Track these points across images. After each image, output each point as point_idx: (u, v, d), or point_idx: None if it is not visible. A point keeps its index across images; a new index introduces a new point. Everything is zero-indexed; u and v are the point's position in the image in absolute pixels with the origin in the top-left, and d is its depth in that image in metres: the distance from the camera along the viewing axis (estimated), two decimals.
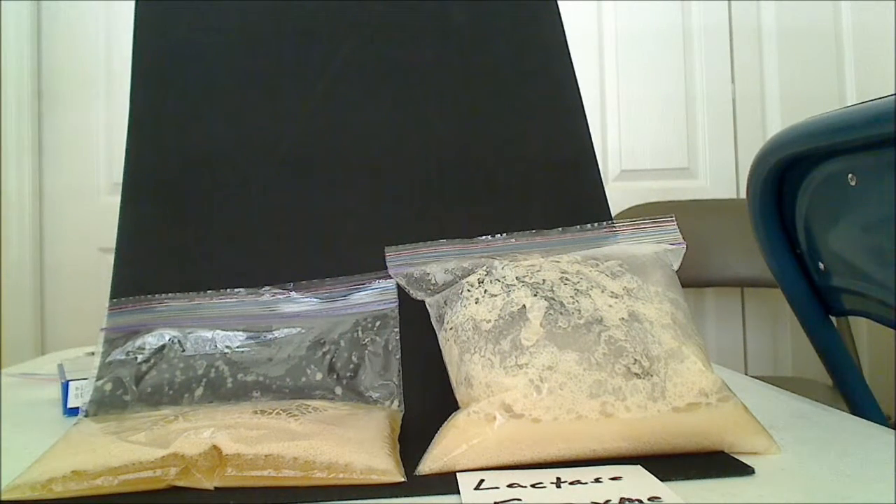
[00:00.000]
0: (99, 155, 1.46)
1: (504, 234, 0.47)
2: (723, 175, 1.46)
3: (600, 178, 0.58)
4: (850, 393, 0.67)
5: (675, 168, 1.47)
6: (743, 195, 1.24)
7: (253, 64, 0.59)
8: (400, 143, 0.57)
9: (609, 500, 0.31)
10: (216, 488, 0.34)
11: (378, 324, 0.47)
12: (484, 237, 0.47)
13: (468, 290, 0.42)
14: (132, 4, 0.61)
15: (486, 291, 0.41)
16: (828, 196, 0.57)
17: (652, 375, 0.37)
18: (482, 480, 0.34)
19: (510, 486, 0.33)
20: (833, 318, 0.67)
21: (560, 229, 0.47)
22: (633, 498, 0.31)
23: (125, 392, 0.44)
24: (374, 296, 0.47)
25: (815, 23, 1.46)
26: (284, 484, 0.34)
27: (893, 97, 0.44)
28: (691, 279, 1.23)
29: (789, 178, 0.60)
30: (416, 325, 0.44)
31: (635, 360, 0.38)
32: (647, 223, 0.47)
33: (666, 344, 0.39)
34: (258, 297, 0.48)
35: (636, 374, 0.37)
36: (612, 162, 1.47)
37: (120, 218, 0.55)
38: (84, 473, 0.34)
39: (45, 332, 1.46)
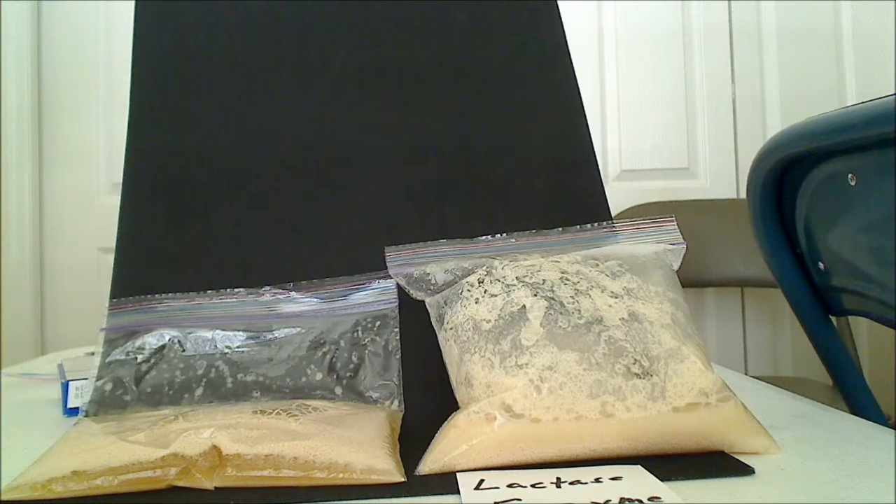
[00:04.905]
0: (99, 155, 1.46)
1: (504, 234, 0.47)
2: (723, 175, 1.46)
3: (600, 178, 0.58)
4: (850, 393, 0.67)
5: (675, 168, 1.47)
6: (743, 195, 1.24)
7: (253, 64, 0.59)
8: (400, 144, 0.57)
9: (609, 500, 0.31)
10: (216, 488, 0.34)
11: (378, 324, 0.47)
12: (484, 237, 0.47)
13: (468, 290, 0.42)
14: (132, 4, 0.61)
15: (486, 291, 0.41)
16: (828, 196, 0.57)
17: (652, 375, 0.37)
18: (482, 480, 0.34)
19: (510, 486, 0.33)
20: (833, 318, 0.67)
21: (560, 229, 0.47)
22: (633, 498, 0.31)
23: (125, 392, 0.44)
24: (374, 296, 0.48)
25: (815, 23, 1.46)
26: (284, 484, 0.34)
27: (893, 97, 0.44)
28: (691, 279, 1.23)
29: (789, 178, 0.60)
30: (416, 325, 0.44)
31: (635, 360, 0.38)
32: (647, 223, 0.47)
33: (666, 344, 0.39)
34: (258, 297, 0.48)
35: (636, 374, 0.37)
36: (612, 162, 1.47)
37: (120, 218, 0.55)
38: (84, 473, 0.34)
39: (45, 332, 1.46)
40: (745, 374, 0.98)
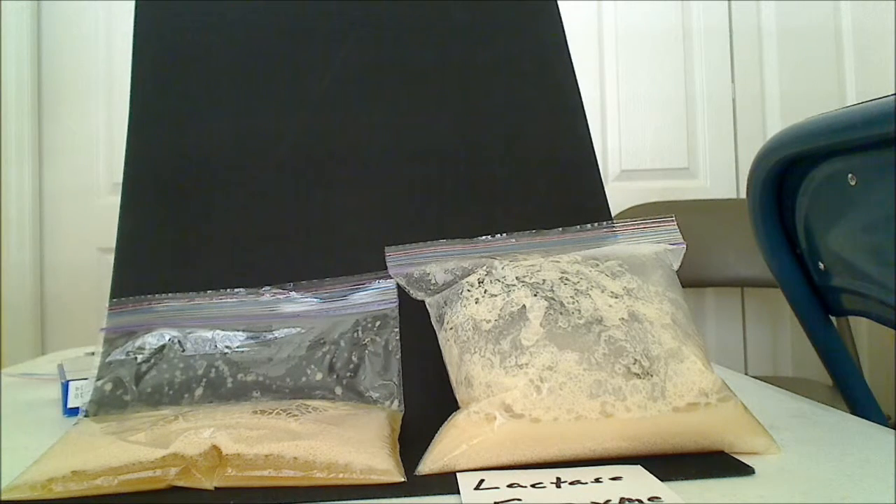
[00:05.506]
0: (99, 155, 1.46)
1: (504, 234, 0.47)
2: (723, 175, 1.46)
3: (600, 178, 0.58)
4: (850, 393, 0.67)
5: (675, 168, 1.47)
6: (743, 195, 1.24)
7: (253, 64, 0.59)
8: (400, 143, 0.57)
9: (609, 500, 0.31)
10: (216, 488, 0.34)
11: (378, 324, 0.47)
12: (484, 237, 0.47)
13: (468, 290, 0.42)
14: (132, 4, 0.61)
15: (486, 291, 0.41)
16: (828, 196, 0.57)
17: (652, 375, 0.37)
18: (482, 480, 0.34)
19: (510, 486, 0.33)
20: (833, 318, 0.67)
21: (560, 229, 0.47)
22: (633, 498, 0.31)
23: (125, 392, 0.44)
24: (374, 296, 0.47)
25: (815, 23, 1.46)
26: (284, 484, 0.34)
27: (893, 97, 0.44)
28: (691, 279, 1.23)
29: (789, 178, 0.60)
30: (416, 325, 0.44)
31: (635, 360, 0.38)
32: (647, 223, 0.47)
33: (666, 344, 0.39)
34: (258, 297, 0.48)
35: (636, 374, 0.37)
36: (612, 162, 1.47)
37: (120, 218, 0.55)
38: (84, 473, 0.34)
39: (45, 332, 1.46)
40: (745, 374, 0.98)
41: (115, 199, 0.56)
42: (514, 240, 0.47)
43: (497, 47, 0.62)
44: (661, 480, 0.33)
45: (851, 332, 1.10)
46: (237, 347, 0.46)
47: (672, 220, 0.47)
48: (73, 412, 0.52)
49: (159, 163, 0.57)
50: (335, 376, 0.45)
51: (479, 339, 0.39)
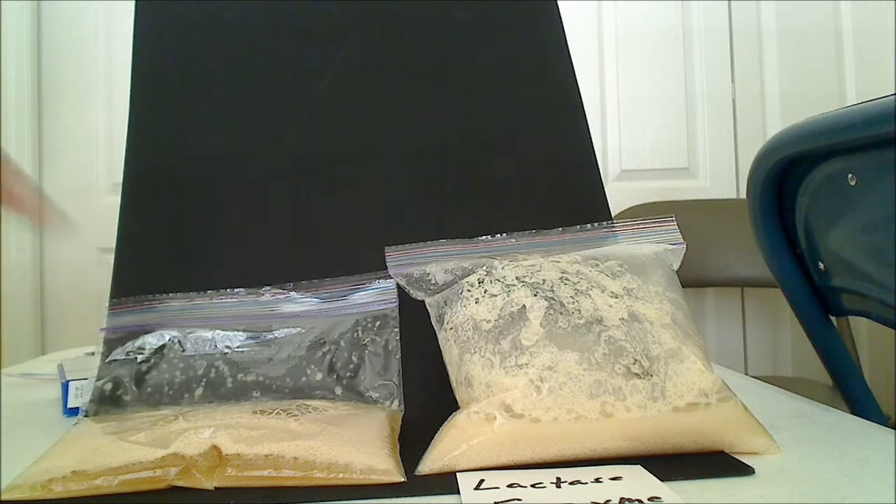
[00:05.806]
0: (99, 155, 1.46)
1: (504, 234, 0.47)
2: (723, 175, 1.46)
3: (600, 178, 0.58)
4: (850, 393, 0.67)
5: (675, 168, 1.47)
6: (743, 195, 1.24)
7: (252, 64, 0.59)
8: (399, 143, 0.57)
9: (609, 500, 0.31)
10: (216, 488, 0.34)
11: (378, 324, 0.47)
12: (484, 237, 0.47)
13: (468, 290, 0.42)
14: (132, 4, 0.61)
15: (486, 291, 0.41)
16: (828, 196, 0.57)
17: (652, 375, 0.37)
18: (482, 480, 0.34)
19: (510, 486, 0.33)
20: (833, 318, 0.67)
21: (560, 229, 0.47)
22: (633, 498, 0.31)
23: (125, 392, 0.44)
24: (374, 296, 0.48)
25: (815, 23, 1.46)
26: (284, 484, 0.34)
27: (893, 97, 0.44)
28: (691, 279, 1.23)
29: (789, 178, 0.60)
30: (416, 325, 0.44)
31: (635, 360, 0.38)
32: (647, 223, 0.47)
33: (666, 344, 0.39)
34: (258, 297, 0.48)
35: (636, 374, 0.37)
36: (612, 162, 1.47)
37: (120, 218, 0.55)
38: (84, 473, 0.34)
39: (45, 332, 1.46)
40: (745, 374, 0.98)
41: (115, 199, 0.56)
42: (514, 240, 0.47)
43: (497, 47, 0.62)
44: (661, 480, 0.33)
45: (851, 332, 1.10)
46: (237, 347, 0.46)
47: (672, 220, 0.47)
48: (73, 412, 0.52)
49: (159, 163, 0.57)
50: (335, 376, 0.45)
51: (479, 339, 0.39)
